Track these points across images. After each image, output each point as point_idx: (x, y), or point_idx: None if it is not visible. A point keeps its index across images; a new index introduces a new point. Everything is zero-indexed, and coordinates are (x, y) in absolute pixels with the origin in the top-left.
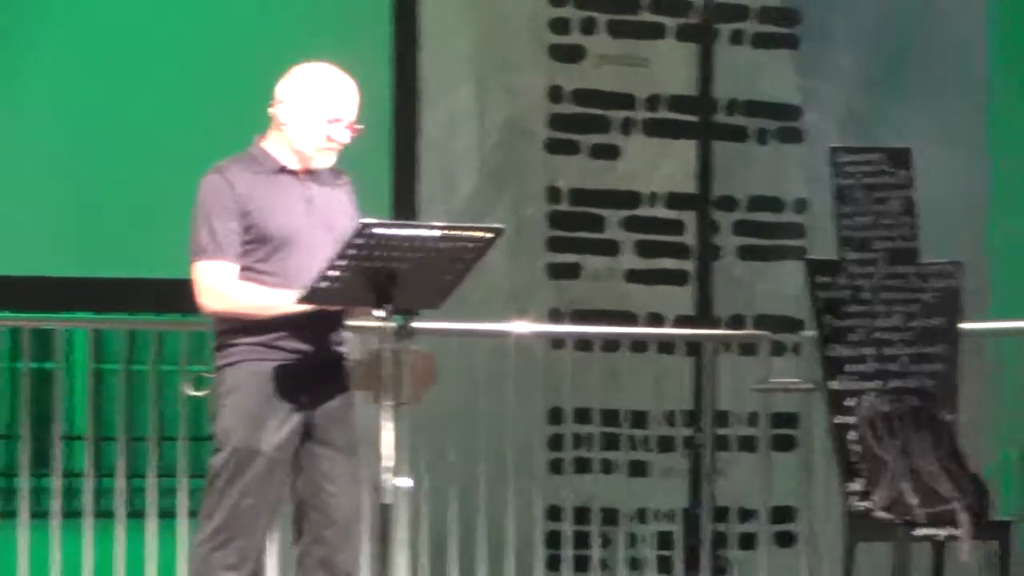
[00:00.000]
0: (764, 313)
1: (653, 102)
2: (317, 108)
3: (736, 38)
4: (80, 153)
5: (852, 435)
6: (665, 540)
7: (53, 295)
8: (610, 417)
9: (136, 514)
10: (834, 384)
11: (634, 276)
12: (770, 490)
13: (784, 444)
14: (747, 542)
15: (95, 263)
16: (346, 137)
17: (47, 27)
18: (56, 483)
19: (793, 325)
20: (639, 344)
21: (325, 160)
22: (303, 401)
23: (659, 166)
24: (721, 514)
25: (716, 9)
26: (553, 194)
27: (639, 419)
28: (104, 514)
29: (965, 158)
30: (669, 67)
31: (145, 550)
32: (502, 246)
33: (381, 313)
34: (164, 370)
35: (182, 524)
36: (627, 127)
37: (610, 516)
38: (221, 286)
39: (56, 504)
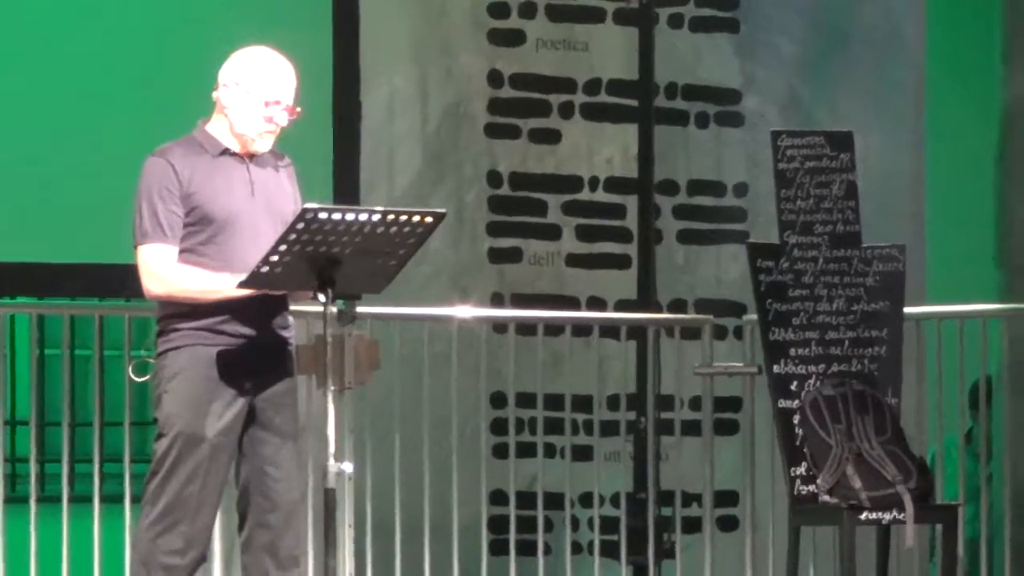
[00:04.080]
0: (706, 297)
1: (593, 86)
2: (256, 90)
3: (675, 22)
4: (20, 138)
5: (796, 419)
6: (609, 524)
7: None
8: (553, 401)
9: (81, 499)
10: (777, 368)
11: (575, 260)
12: (714, 474)
13: (728, 428)
14: (691, 526)
15: (37, 248)
16: (284, 119)
17: None
18: (0, 468)
19: (735, 309)
20: (581, 328)
21: (265, 144)
22: (247, 386)
23: (599, 150)
24: (665, 498)
25: None
26: (494, 178)
27: (582, 403)
28: (49, 499)
29: (904, 142)
30: (608, 51)
31: (90, 535)
32: (443, 230)
33: (323, 298)
34: (108, 355)
35: (127, 509)
36: (567, 111)
37: (554, 500)
38: (164, 270)
39: (0, 489)
